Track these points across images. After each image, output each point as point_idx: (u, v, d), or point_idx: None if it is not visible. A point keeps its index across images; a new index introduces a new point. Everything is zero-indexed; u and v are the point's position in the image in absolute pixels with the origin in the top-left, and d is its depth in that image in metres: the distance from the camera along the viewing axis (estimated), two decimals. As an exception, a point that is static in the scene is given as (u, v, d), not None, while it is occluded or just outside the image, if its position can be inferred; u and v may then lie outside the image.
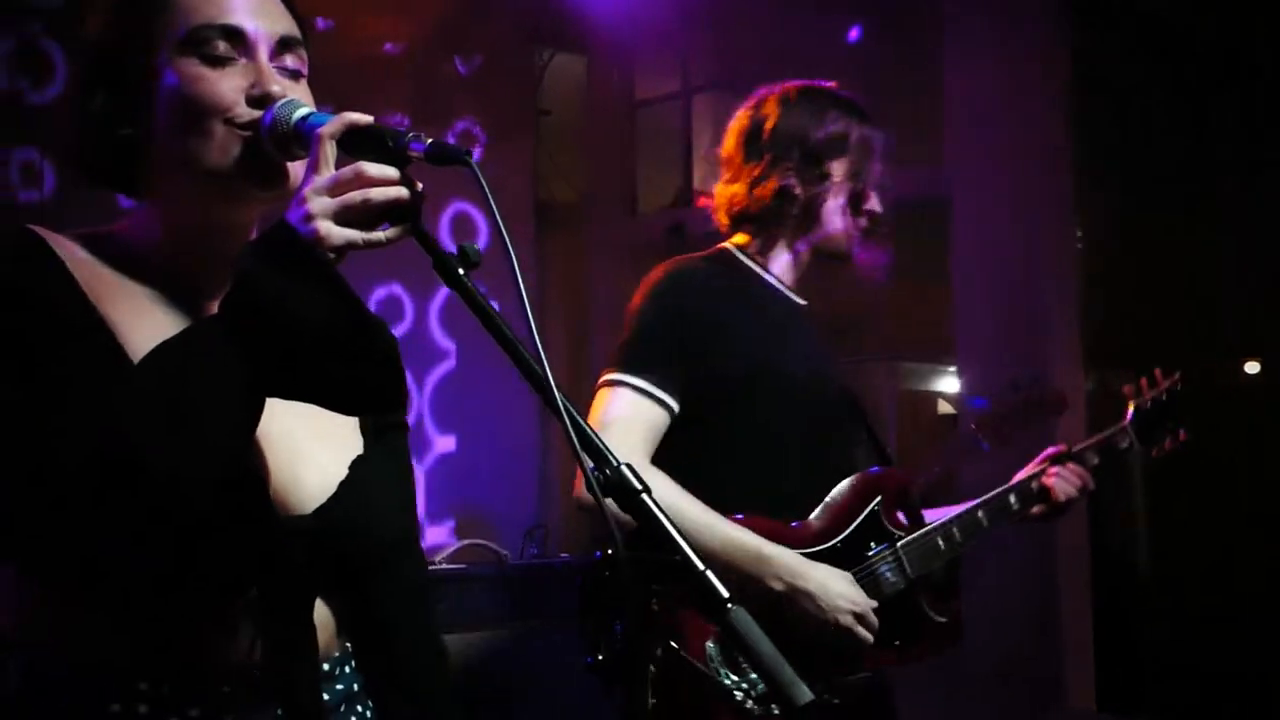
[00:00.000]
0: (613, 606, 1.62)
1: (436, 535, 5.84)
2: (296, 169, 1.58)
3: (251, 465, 1.56)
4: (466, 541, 4.54)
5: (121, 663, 1.52)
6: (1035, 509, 3.03)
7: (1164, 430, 3.16)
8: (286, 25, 1.66)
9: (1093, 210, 5.46)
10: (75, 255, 1.58)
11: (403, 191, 1.44)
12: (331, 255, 1.44)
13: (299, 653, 1.58)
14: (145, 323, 1.57)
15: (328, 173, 1.46)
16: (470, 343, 6.18)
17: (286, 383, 1.48)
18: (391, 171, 1.45)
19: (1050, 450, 3.08)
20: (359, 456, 1.70)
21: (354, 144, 1.48)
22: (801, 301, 2.96)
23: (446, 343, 6.28)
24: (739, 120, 2.96)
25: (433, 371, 6.25)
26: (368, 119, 1.48)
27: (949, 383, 6.74)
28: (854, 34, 6.12)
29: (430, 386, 6.26)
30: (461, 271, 1.47)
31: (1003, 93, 5.22)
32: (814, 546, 2.77)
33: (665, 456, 2.78)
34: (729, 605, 1.30)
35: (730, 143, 2.95)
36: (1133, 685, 5.62)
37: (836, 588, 2.69)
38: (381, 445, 1.75)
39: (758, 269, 2.93)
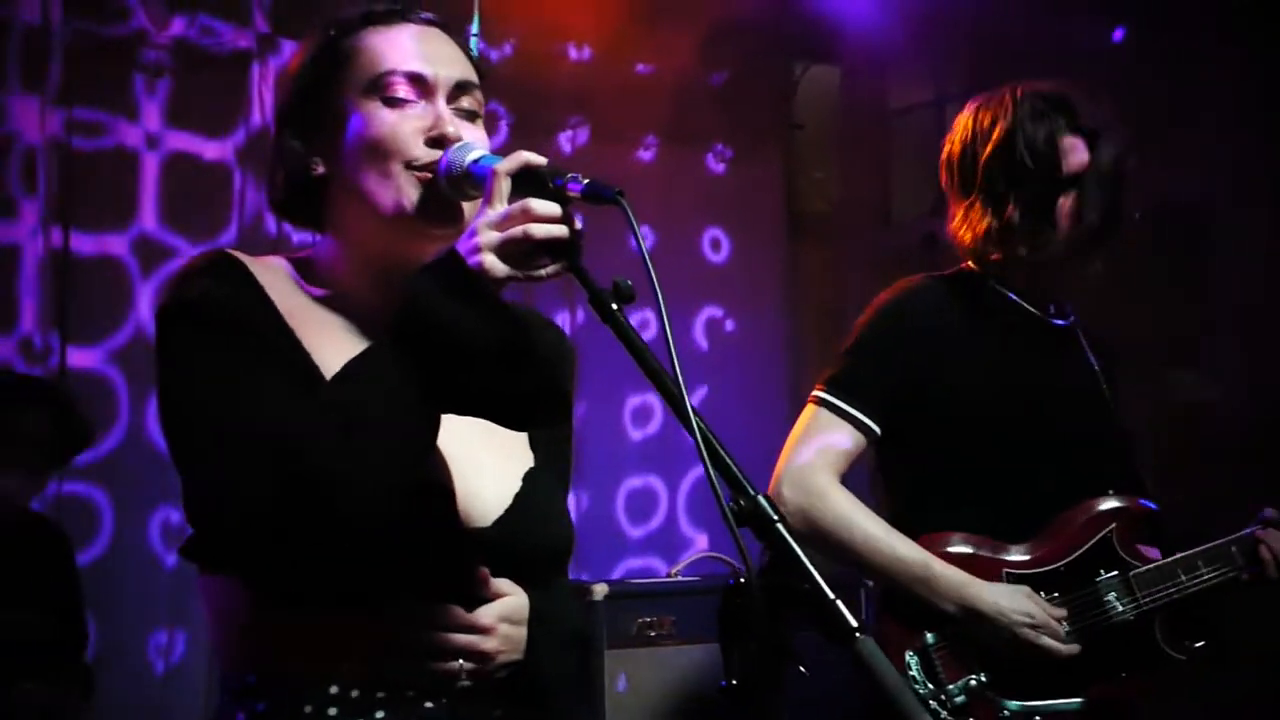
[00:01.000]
0: (747, 631, 1.63)
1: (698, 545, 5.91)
2: (469, 209, 1.70)
3: (435, 479, 1.70)
4: (700, 554, 4.62)
5: (313, 667, 1.64)
6: (1245, 577, 2.85)
7: None
8: (463, 70, 1.81)
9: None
10: (269, 279, 1.74)
11: (562, 230, 1.54)
12: (494, 284, 1.54)
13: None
14: (331, 343, 1.73)
15: (500, 207, 1.57)
16: (727, 370, 6.21)
17: (454, 397, 1.60)
18: (554, 209, 1.54)
19: (1264, 512, 2.90)
20: (531, 470, 1.83)
21: (525, 182, 1.59)
22: (1044, 317, 2.92)
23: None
24: (965, 124, 2.93)
25: (694, 390, 6.35)
26: (539, 159, 1.60)
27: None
28: (1118, 35, 5.94)
29: (696, 400, 6.35)
30: (615, 306, 1.54)
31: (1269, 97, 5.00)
32: (1035, 568, 2.76)
33: (891, 475, 2.87)
34: (857, 635, 1.34)
35: (943, 175, 2.95)
36: None
37: (1009, 602, 2.68)
38: (550, 458, 1.87)
39: (999, 287, 2.90)
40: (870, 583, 2.89)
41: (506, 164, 1.59)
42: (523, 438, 1.87)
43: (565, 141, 6.04)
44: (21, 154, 4.81)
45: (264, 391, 1.61)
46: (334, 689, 1.65)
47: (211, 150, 5.13)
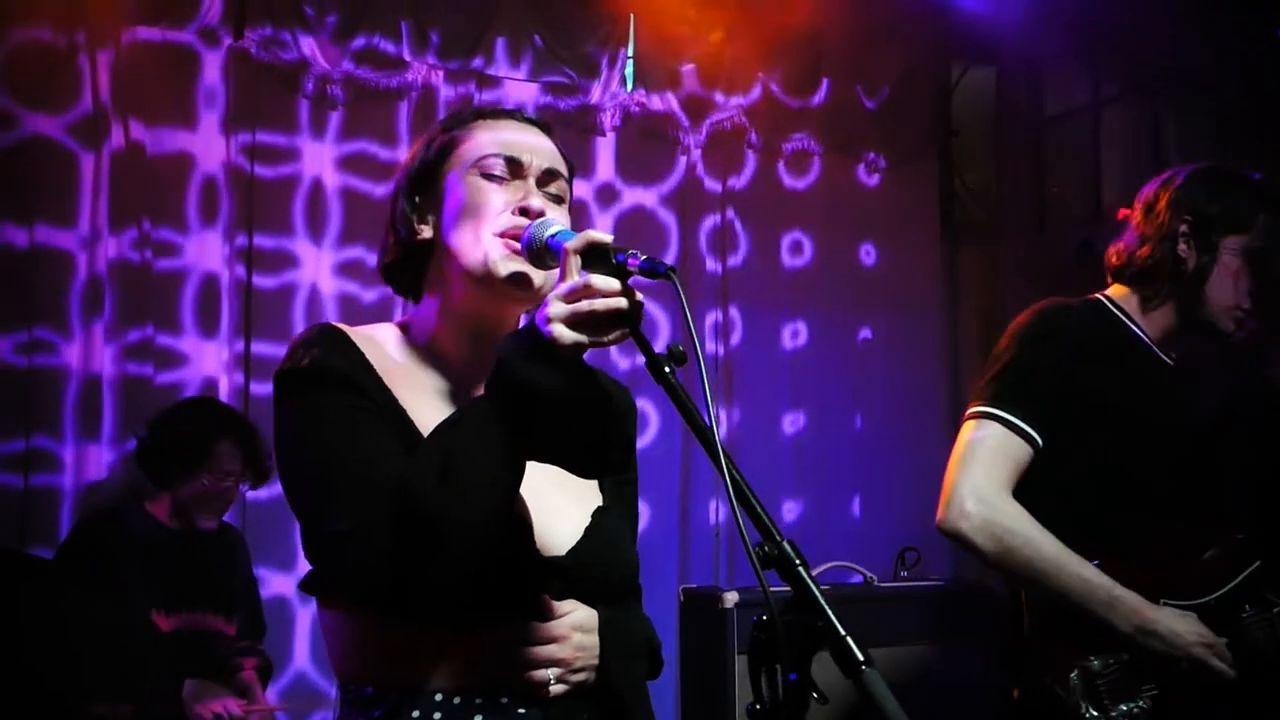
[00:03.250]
0: (777, 660, 1.75)
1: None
2: (549, 276, 1.93)
3: (519, 516, 1.93)
4: (832, 564, 4.72)
5: (419, 678, 1.89)
6: None
7: None
8: (553, 160, 2.09)
9: None
10: (368, 346, 2.00)
11: (622, 302, 1.74)
12: (566, 349, 1.76)
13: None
14: (424, 399, 2.00)
15: (570, 281, 1.78)
16: (885, 377, 6.31)
17: (537, 448, 1.83)
18: (614, 284, 1.75)
19: None
20: (600, 506, 2.08)
21: (592, 257, 1.79)
22: (1169, 360, 3.01)
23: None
24: (1149, 187, 3.07)
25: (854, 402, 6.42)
26: (605, 237, 1.80)
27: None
28: (1281, 33, 5.85)
29: (860, 409, 6.42)
30: (668, 370, 1.74)
31: None
32: (1186, 599, 2.83)
33: (1030, 492, 2.89)
34: (864, 667, 1.51)
35: (1136, 210, 3.07)
36: None
37: (1181, 625, 2.75)
38: (617, 497, 2.12)
39: (1128, 321, 3.01)
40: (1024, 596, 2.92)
41: (575, 242, 1.80)
42: (593, 482, 2.11)
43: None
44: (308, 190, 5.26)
45: (375, 445, 1.86)
46: (438, 696, 1.89)
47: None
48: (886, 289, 6.45)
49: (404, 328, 2.12)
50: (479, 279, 1.99)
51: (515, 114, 2.14)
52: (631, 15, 5.87)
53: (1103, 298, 3.06)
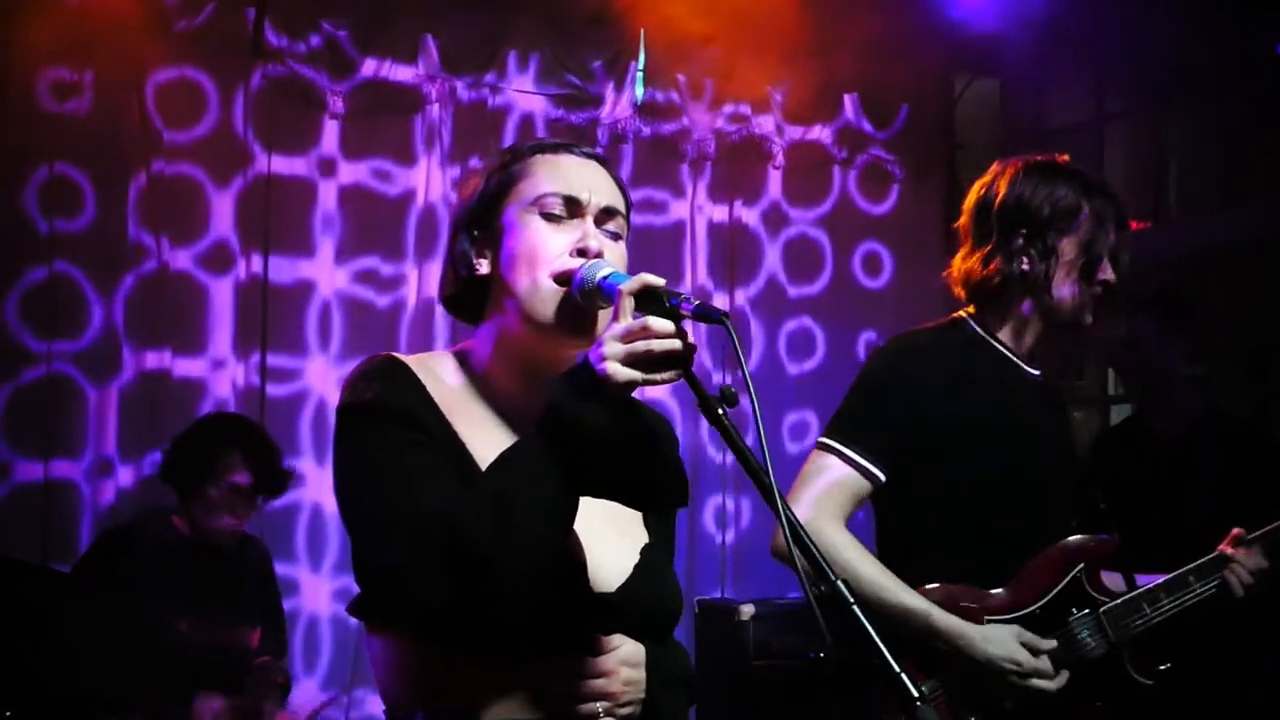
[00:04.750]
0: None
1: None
2: (601, 318, 1.98)
3: (571, 552, 1.98)
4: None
5: (469, 707, 1.93)
6: (1214, 592, 3.02)
7: None
8: (611, 197, 2.10)
9: None
10: (428, 378, 2.03)
11: (677, 344, 1.79)
12: (619, 388, 1.81)
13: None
14: (481, 430, 2.03)
15: (625, 322, 1.83)
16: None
17: (591, 484, 1.87)
18: (670, 326, 1.80)
19: (1234, 530, 3.06)
20: (648, 544, 2.11)
21: (645, 300, 1.84)
22: (1034, 373, 3.05)
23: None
24: (972, 194, 3.09)
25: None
26: (658, 281, 1.85)
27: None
28: (1281, 47, 5.91)
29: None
30: (721, 411, 1.79)
31: None
32: (1012, 612, 2.90)
33: (886, 521, 2.98)
34: (918, 703, 1.57)
35: (963, 218, 3.10)
36: None
37: (1000, 648, 2.81)
38: (660, 535, 2.15)
39: (989, 338, 3.02)
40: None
41: (630, 284, 1.84)
42: (637, 517, 2.14)
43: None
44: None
45: (432, 481, 1.90)
46: None
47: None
48: (892, 303, 6.52)
49: (461, 356, 2.14)
50: (534, 322, 2.01)
51: (574, 147, 2.15)
52: (642, 30, 5.94)
53: (965, 316, 3.07)
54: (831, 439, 2.94)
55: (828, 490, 2.89)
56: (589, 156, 2.15)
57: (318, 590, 5.39)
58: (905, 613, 2.82)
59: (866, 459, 2.90)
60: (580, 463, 1.83)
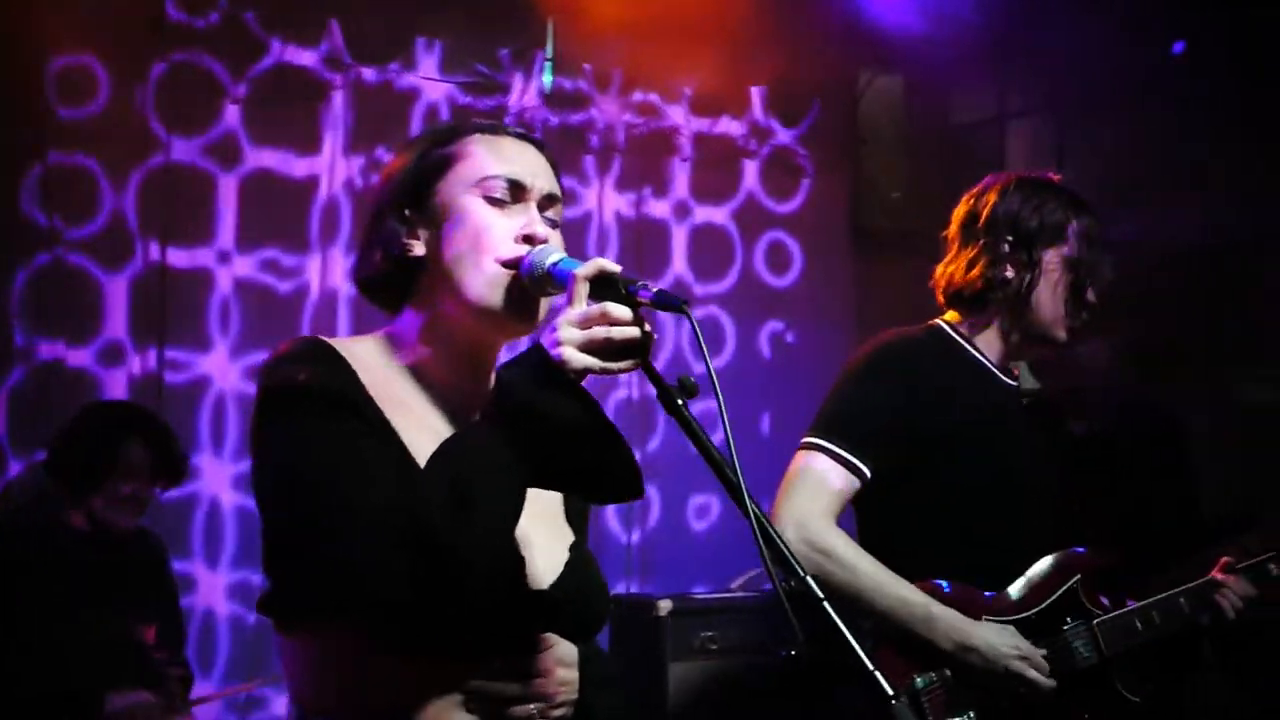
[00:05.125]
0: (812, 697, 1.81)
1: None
2: (545, 305, 1.92)
3: (510, 545, 1.89)
4: (758, 570, 4.75)
5: (398, 711, 1.84)
6: (1203, 620, 3.05)
7: None
8: (551, 184, 2.03)
9: None
10: (357, 363, 1.92)
11: (637, 332, 1.74)
12: (575, 375, 1.75)
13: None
14: (415, 423, 1.93)
15: (579, 308, 1.77)
16: (793, 384, 6.38)
17: (547, 475, 1.81)
18: (628, 313, 1.74)
19: (1224, 558, 3.10)
20: (575, 541, 2.06)
21: (600, 286, 1.78)
22: (1010, 382, 3.08)
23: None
24: (961, 206, 3.13)
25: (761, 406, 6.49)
26: (615, 266, 1.80)
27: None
28: (1178, 48, 6.01)
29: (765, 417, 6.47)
30: (681, 403, 1.74)
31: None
32: (1009, 616, 2.92)
33: (869, 519, 2.99)
34: (893, 701, 1.53)
35: (952, 227, 3.14)
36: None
37: (999, 639, 2.84)
38: (582, 529, 2.11)
39: (967, 346, 3.06)
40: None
41: (585, 269, 1.79)
42: (561, 512, 2.09)
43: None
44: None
45: (383, 472, 1.80)
46: None
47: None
48: (800, 298, 6.52)
49: (383, 342, 2.04)
50: (478, 307, 1.94)
51: (514, 131, 2.08)
52: (550, 19, 5.87)
53: (943, 324, 3.11)
54: (818, 437, 2.94)
55: (818, 488, 2.89)
56: (528, 140, 2.09)
57: (214, 586, 5.24)
58: (904, 606, 2.83)
59: (854, 455, 2.90)
60: (537, 452, 1.76)
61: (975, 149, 6.83)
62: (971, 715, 2.82)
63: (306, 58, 5.42)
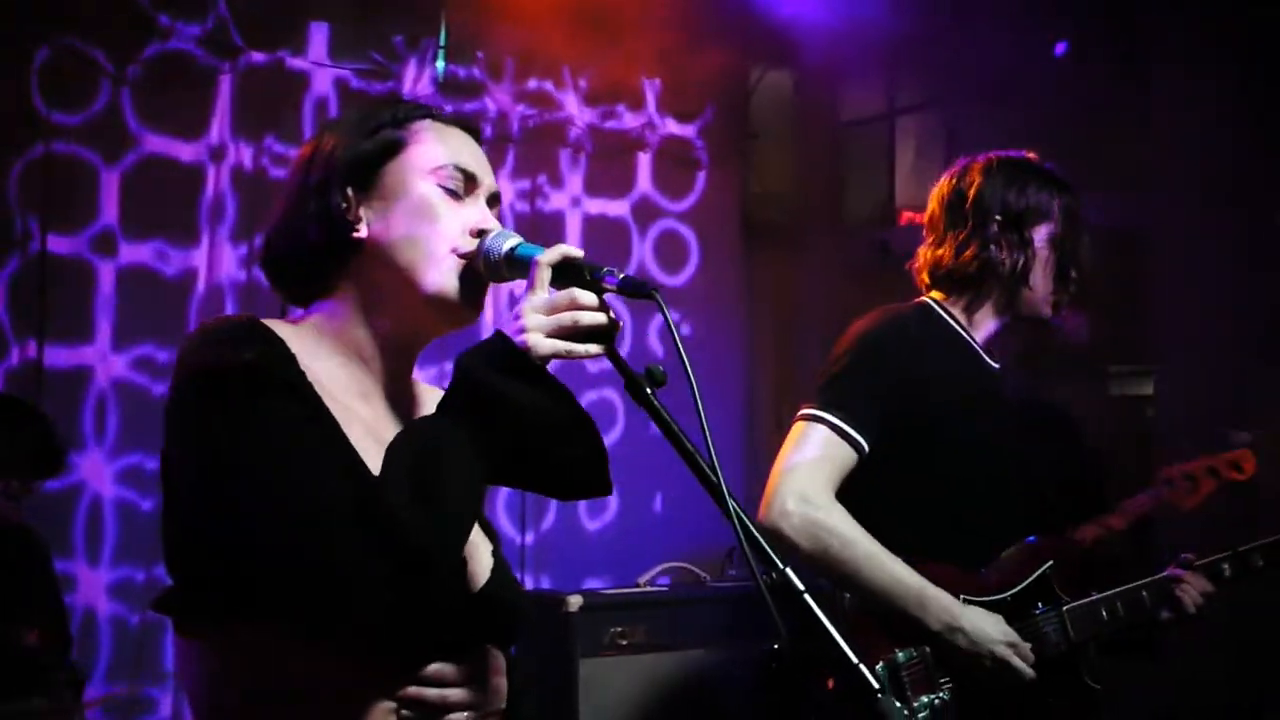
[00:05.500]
0: (792, 693, 1.79)
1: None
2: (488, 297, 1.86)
3: None
4: (667, 565, 4.74)
5: (326, 715, 1.74)
6: (1164, 614, 3.10)
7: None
8: (495, 183, 1.98)
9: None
10: (296, 347, 1.80)
11: (604, 318, 1.69)
12: (541, 361, 1.70)
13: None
14: (352, 413, 1.84)
15: (542, 294, 1.72)
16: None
17: (511, 468, 1.74)
18: (595, 299, 1.69)
19: (1184, 555, 3.16)
20: (494, 548, 1.97)
21: (563, 272, 1.74)
22: (994, 365, 3.10)
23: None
24: (942, 186, 3.13)
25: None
26: (578, 252, 1.75)
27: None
28: (1060, 48, 6.10)
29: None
30: (649, 392, 1.70)
31: (1207, 117, 5.17)
32: (986, 596, 2.94)
33: (853, 494, 2.94)
34: (879, 694, 1.51)
35: (934, 207, 3.12)
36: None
37: (988, 624, 2.86)
38: (494, 536, 2.01)
39: (958, 327, 3.08)
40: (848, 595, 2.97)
41: (550, 255, 1.74)
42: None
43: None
44: None
45: (342, 465, 1.71)
46: None
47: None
48: (696, 291, 6.50)
49: (310, 329, 1.91)
50: (431, 295, 1.86)
51: (463, 122, 2.02)
52: (444, 5, 5.77)
53: (933, 303, 3.12)
54: (820, 409, 2.92)
55: (819, 460, 2.87)
56: (474, 134, 2.02)
57: (95, 585, 5.07)
58: (898, 584, 2.83)
59: (855, 429, 2.89)
60: (503, 444, 1.70)
61: (865, 144, 6.89)
62: (945, 694, 2.84)
63: (193, 41, 5.26)
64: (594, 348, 1.72)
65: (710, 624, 4.29)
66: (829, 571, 2.87)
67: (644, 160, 6.41)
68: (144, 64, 5.15)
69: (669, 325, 1.65)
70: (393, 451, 1.71)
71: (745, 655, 4.21)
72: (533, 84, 6.06)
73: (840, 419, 2.90)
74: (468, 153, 1.95)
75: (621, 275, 1.71)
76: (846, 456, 2.90)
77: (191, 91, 5.29)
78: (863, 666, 1.52)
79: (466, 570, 1.81)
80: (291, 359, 1.77)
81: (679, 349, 1.67)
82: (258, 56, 5.39)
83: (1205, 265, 5.17)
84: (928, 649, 2.86)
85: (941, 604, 2.84)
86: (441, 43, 5.82)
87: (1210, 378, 5.07)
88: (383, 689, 1.76)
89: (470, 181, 1.93)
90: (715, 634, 4.19)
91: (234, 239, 5.30)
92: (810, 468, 2.86)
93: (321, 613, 1.65)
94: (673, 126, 6.45)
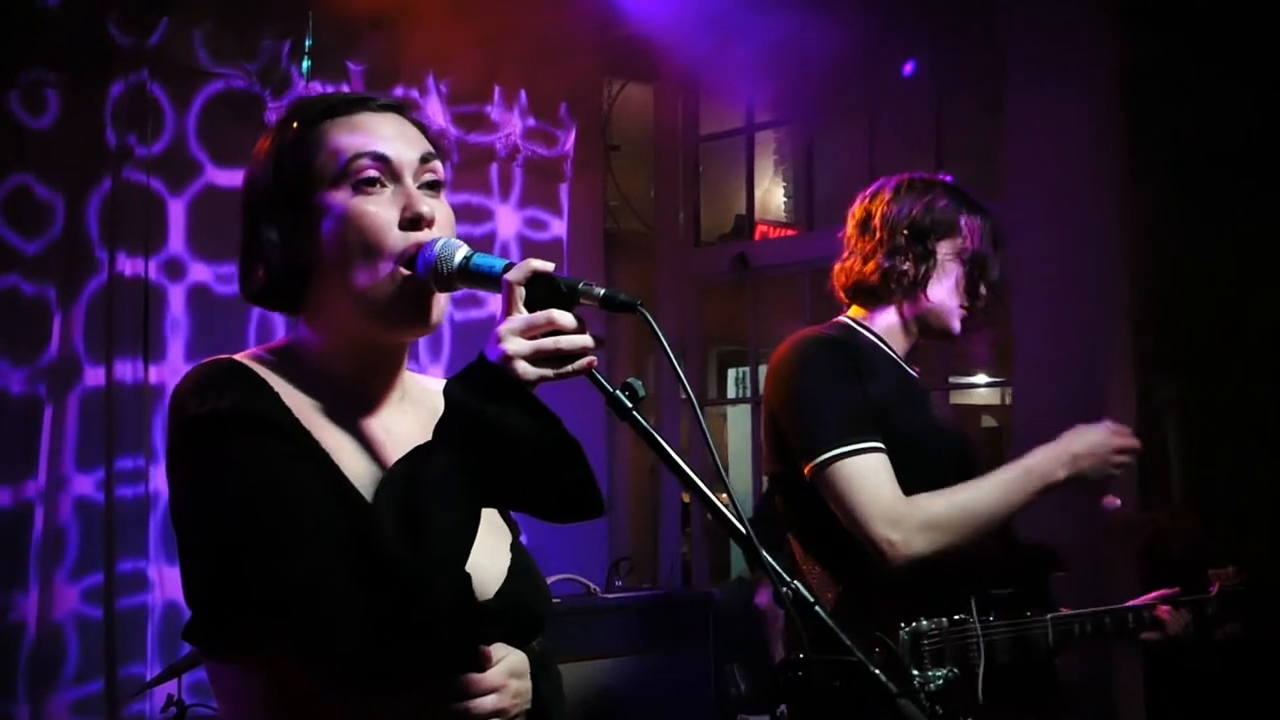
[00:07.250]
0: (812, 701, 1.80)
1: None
2: (443, 301, 1.83)
3: None
4: (558, 576, 4.72)
5: None
6: (1146, 635, 3.22)
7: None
8: (422, 144, 1.90)
9: (1154, 235, 5.48)
10: (275, 382, 1.79)
11: (588, 340, 1.68)
12: (527, 386, 1.68)
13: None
14: (341, 440, 1.82)
15: (519, 315, 1.68)
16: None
17: (503, 492, 1.73)
18: (574, 321, 1.67)
19: (1165, 591, 3.28)
20: (514, 542, 1.98)
21: (535, 288, 1.69)
22: (913, 373, 3.16)
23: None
24: (856, 208, 3.20)
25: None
26: (548, 266, 1.71)
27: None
28: (908, 69, 6.24)
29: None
30: (631, 408, 1.69)
31: (1064, 120, 5.31)
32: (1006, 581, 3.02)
33: (809, 503, 2.96)
34: (898, 698, 1.53)
35: (848, 227, 3.20)
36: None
37: (1090, 435, 3.01)
38: (515, 525, 2.03)
39: (878, 341, 3.13)
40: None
41: (518, 274, 1.69)
42: (495, 513, 1.99)
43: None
44: None
45: (331, 499, 1.70)
46: None
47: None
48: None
49: (289, 352, 1.90)
50: (370, 311, 1.82)
51: (367, 102, 1.91)
52: (310, 10, 5.66)
53: (848, 320, 3.17)
54: (837, 446, 2.89)
55: (877, 484, 2.87)
56: (386, 108, 1.92)
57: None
58: (1007, 487, 2.93)
59: (873, 440, 2.90)
60: (493, 471, 1.68)
61: (722, 159, 6.97)
62: (956, 671, 2.87)
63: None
64: (580, 363, 1.70)
65: (602, 635, 4.28)
66: (973, 534, 2.91)
67: (510, 170, 6.37)
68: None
69: (660, 340, 1.65)
70: (385, 483, 1.71)
71: (640, 666, 4.23)
72: (399, 91, 5.97)
73: (859, 441, 2.90)
74: (377, 134, 1.86)
75: (601, 291, 1.69)
76: (880, 461, 2.90)
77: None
78: (879, 672, 1.54)
79: (471, 584, 1.78)
80: (274, 398, 1.76)
81: (673, 363, 1.68)
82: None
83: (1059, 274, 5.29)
84: (945, 621, 2.89)
85: (1048, 457, 2.96)
86: (306, 49, 5.71)
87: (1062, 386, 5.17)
88: (403, 708, 1.74)
89: (387, 166, 1.84)
90: (608, 645, 4.18)
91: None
92: (871, 498, 2.85)
93: (318, 644, 1.64)
94: (535, 138, 6.43)
